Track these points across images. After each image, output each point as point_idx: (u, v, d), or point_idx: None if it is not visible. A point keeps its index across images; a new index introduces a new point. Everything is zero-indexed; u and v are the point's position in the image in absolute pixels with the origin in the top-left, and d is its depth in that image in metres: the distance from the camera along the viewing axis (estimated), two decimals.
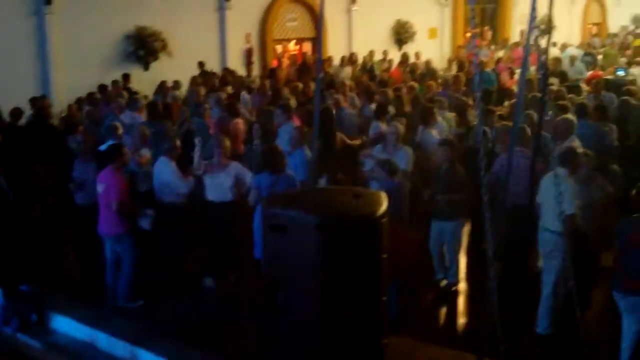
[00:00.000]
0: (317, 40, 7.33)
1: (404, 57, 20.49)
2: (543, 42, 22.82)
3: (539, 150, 7.47)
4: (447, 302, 8.30)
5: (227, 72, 17.51)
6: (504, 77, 18.01)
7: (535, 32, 4.28)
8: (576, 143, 9.19)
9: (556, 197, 7.26)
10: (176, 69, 16.89)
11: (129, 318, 7.57)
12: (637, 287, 6.27)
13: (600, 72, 18.34)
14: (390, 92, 13.39)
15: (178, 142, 8.73)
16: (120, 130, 9.54)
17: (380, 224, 4.33)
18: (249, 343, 6.22)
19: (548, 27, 3.68)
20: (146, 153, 9.27)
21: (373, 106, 12.41)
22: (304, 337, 4.47)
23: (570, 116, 10.32)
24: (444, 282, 8.58)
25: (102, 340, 7.24)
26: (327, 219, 4.22)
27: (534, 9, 3.92)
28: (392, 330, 4.92)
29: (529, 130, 8.54)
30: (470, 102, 12.18)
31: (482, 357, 3.88)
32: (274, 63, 20.47)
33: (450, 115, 11.80)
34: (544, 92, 4.45)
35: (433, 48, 23.68)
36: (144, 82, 16.45)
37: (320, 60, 7.94)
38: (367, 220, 4.30)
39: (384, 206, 4.36)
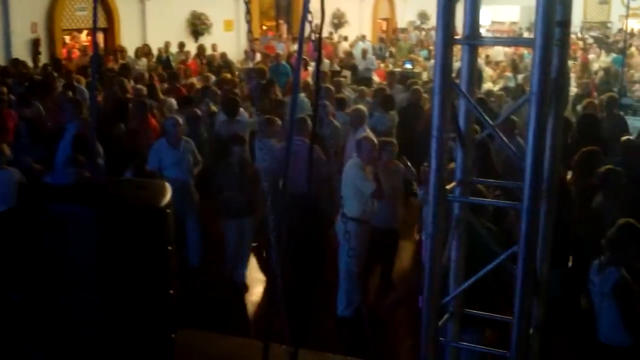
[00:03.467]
0: (93, 31, 6.94)
1: (201, 49, 20.37)
2: (336, 36, 23.35)
3: (315, 139, 7.62)
4: (240, 295, 8.30)
5: (15, 63, 16.48)
6: None
7: (309, 24, 4.32)
8: (368, 132, 9.54)
9: (349, 185, 7.57)
10: None
11: None
12: None
13: (383, 67, 19.24)
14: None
15: None
16: None
17: (165, 215, 4.20)
18: (31, 346, 5.85)
19: (321, 20, 3.67)
20: None
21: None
22: (88, 337, 4.24)
23: (362, 107, 10.68)
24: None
25: None
26: (108, 211, 4.03)
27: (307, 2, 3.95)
28: (182, 323, 4.81)
29: (309, 120, 8.65)
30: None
31: (267, 343, 3.88)
32: (63, 54, 19.53)
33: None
34: (318, 80, 4.49)
35: (230, 40, 23.62)
36: None
37: (96, 52, 7.62)
38: (150, 212, 4.15)
39: (168, 196, 4.24)
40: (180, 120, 9.08)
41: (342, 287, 7.67)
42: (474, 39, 3.47)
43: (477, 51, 3.61)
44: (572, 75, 18.24)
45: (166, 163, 8.55)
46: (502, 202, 3.58)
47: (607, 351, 5.20)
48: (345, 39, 24.91)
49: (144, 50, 19.45)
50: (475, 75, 3.61)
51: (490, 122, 3.42)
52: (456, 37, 3.30)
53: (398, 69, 18.76)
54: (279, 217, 3.65)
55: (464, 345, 3.83)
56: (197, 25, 22.98)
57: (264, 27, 26.31)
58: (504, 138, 3.49)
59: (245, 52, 21.76)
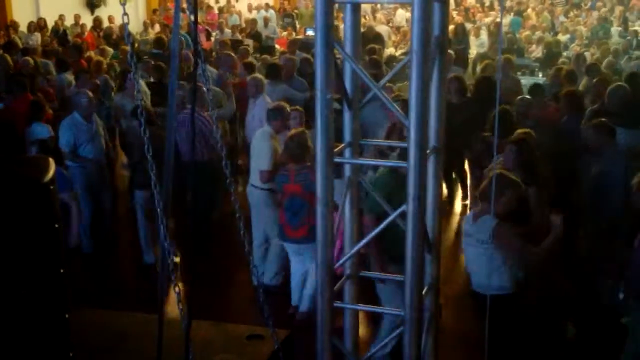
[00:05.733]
0: None
1: (97, 22, 19.82)
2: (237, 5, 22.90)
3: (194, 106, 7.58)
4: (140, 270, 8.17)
5: None
6: (200, 38, 18.06)
7: None
8: (267, 100, 9.46)
9: (257, 155, 7.51)
10: None
11: None
12: (294, 236, 6.86)
13: (285, 35, 19.15)
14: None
15: None
16: None
17: (49, 191, 4.02)
18: None
19: None
20: None
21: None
22: None
23: (259, 75, 10.56)
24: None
25: None
26: None
27: None
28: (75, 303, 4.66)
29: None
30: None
31: (161, 317, 3.80)
32: None
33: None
34: (197, 47, 4.35)
35: (127, 12, 22.90)
36: None
37: None
38: (33, 187, 3.96)
39: (51, 172, 4.05)
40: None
41: (271, 255, 7.67)
42: None
43: (359, 11, 3.56)
44: (472, 38, 18.54)
45: (81, 139, 8.47)
46: (390, 162, 3.57)
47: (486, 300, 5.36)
48: (249, 8, 24.59)
49: (38, 24, 18.76)
50: (358, 36, 3.56)
51: (375, 84, 3.38)
52: None
53: (300, 37, 18.68)
54: (166, 187, 3.55)
55: (361, 308, 3.83)
56: None
57: None
58: (389, 99, 3.47)
59: (144, 23, 21.20)
